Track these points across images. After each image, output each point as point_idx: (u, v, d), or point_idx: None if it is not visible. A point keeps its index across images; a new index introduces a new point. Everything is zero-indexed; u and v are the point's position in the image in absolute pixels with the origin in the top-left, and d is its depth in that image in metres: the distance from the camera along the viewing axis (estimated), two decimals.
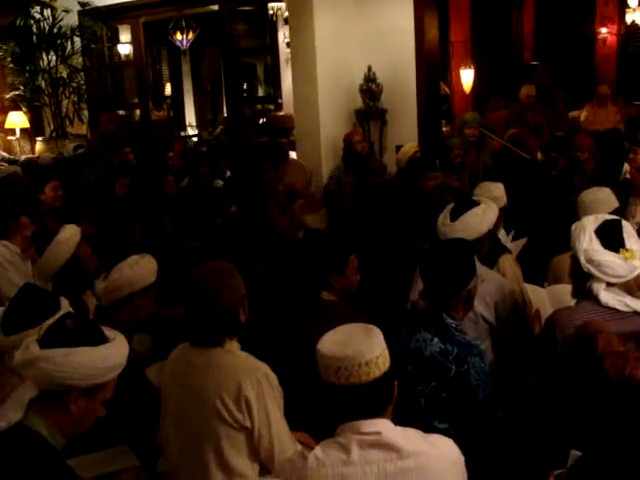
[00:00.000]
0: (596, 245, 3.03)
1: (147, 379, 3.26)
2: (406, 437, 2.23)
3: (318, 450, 2.25)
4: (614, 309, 3.04)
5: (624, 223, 3.16)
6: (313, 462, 2.22)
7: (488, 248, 3.87)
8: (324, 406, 2.25)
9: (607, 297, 3.04)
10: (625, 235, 3.07)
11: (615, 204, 4.19)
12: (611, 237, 3.05)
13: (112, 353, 2.22)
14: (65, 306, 3.16)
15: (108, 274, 3.40)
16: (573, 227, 3.18)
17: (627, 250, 3.02)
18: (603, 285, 3.04)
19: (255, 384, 2.67)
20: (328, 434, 2.32)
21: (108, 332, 2.28)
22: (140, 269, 3.42)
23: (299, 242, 4.87)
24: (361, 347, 2.17)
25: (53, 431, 2.16)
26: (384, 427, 2.22)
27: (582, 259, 3.04)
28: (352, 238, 3.95)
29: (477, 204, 3.79)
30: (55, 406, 2.17)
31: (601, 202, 4.12)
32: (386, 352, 2.23)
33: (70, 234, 4.17)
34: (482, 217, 3.77)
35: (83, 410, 2.20)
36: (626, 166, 6.21)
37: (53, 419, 2.17)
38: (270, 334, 3.45)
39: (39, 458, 2.10)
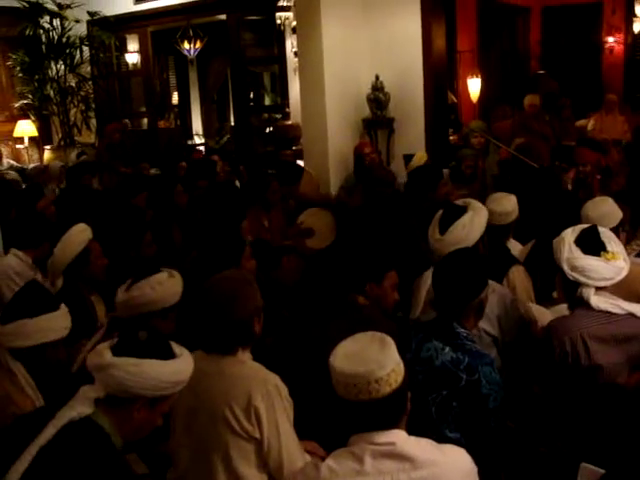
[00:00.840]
0: (577, 252, 3.13)
1: None
2: (420, 447, 2.23)
3: (331, 460, 2.25)
4: (608, 312, 3.11)
5: (601, 229, 3.25)
6: (326, 472, 2.22)
7: (483, 251, 3.87)
8: (337, 416, 2.25)
9: (598, 301, 3.11)
10: (605, 240, 3.16)
11: (620, 214, 4.19)
12: (590, 243, 3.14)
13: (180, 369, 2.33)
14: (63, 310, 3.18)
15: (130, 287, 3.35)
16: (554, 242, 3.26)
17: (608, 252, 3.10)
18: (592, 290, 3.11)
19: (265, 395, 2.67)
20: (339, 443, 2.32)
21: (176, 348, 2.37)
22: (162, 290, 3.35)
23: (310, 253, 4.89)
24: (372, 365, 2.16)
25: (115, 431, 2.26)
26: (398, 437, 2.21)
27: (566, 268, 3.13)
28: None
29: (464, 211, 3.77)
30: (119, 411, 2.27)
31: (609, 216, 4.10)
32: (400, 367, 2.22)
33: (81, 230, 4.18)
34: (470, 227, 3.76)
35: (144, 419, 2.31)
36: None
37: (116, 422, 2.26)
38: (297, 335, 3.45)
39: (103, 451, 2.21)
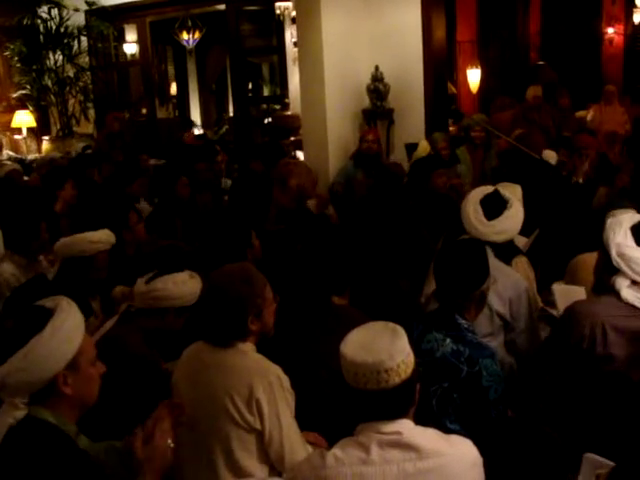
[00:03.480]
0: (630, 241, 3.06)
1: (166, 375, 3.25)
2: (426, 437, 2.23)
3: (337, 449, 2.24)
4: (633, 306, 3.07)
5: None
6: (332, 461, 2.21)
7: None
8: (345, 405, 2.25)
9: (628, 294, 3.07)
10: None
11: None
12: None
13: (61, 326, 2.14)
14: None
15: (152, 279, 3.34)
16: (608, 222, 3.20)
17: None
18: (627, 282, 3.07)
19: (267, 386, 2.67)
20: (341, 435, 2.32)
21: (48, 304, 2.21)
22: (185, 289, 3.34)
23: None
24: (382, 355, 2.16)
25: (60, 419, 2.16)
26: (405, 427, 2.21)
27: (613, 252, 3.06)
28: (363, 237, 3.95)
29: (508, 202, 3.75)
30: (51, 399, 2.15)
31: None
32: (410, 358, 2.22)
33: (97, 239, 4.15)
34: (516, 219, 3.77)
35: (78, 385, 2.18)
36: None
37: (57, 409, 2.16)
38: (284, 336, 3.44)
39: (52, 444, 2.10)
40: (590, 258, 3.81)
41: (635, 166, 6.10)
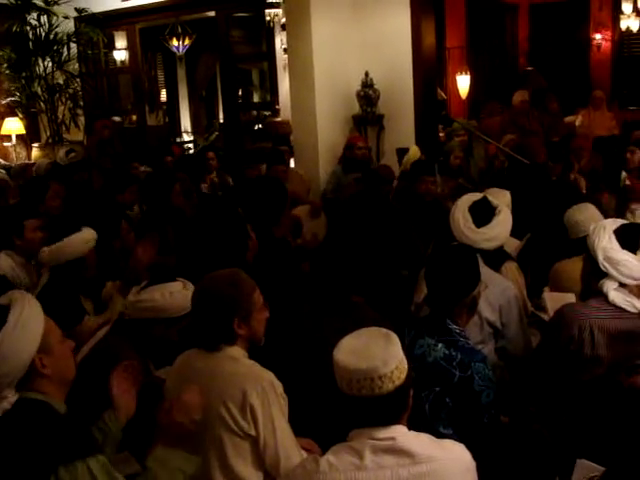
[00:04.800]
0: (615, 244, 3.11)
1: (158, 380, 3.24)
2: (420, 443, 2.23)
3: (331, 455, 2.25)
4: (621, 309, 3.11)
5: None
6: (325, 466, 2.22)
7: None
8: (338, 411, 2.25)
9: (616, 296, 3.12)
10: None
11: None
12: (630, 239, 3.13)
13: (20, 318, 2.26)
14: None
15: (144, 288, 3.31)
16: (592, 227, 3.25)
17: None
18: (615, 284, 3.12)
19: (260, 392, 2.66)
20: (335, 440, 2.32)
21: (1, 300, 2.34)
22: (172, 300, 3.26)
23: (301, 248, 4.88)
24: (376, 362, 2.16)
25: (49, 397, 2.29)
26: (398, 433, 2.22)
27: (600, 257, 3.11)
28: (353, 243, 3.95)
29: (496, 209, 3.78)
30: (35, 382, 2.27)
31: (590, 220, 4.12)
32: (403, 364, 2.22)
33: (91, 237, 4.19)
34: (506, 225, 3.81)
35: (55, 363, 2.32)
36: (623, 173, 6.24)
37: (41, 390, 2.28)
38: (291, 334, 3.45)
39: (45, 418, 2.22)
40: (570, 264, 3.87)
41: (604, 160, 6.20)
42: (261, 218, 4.43)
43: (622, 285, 3.13)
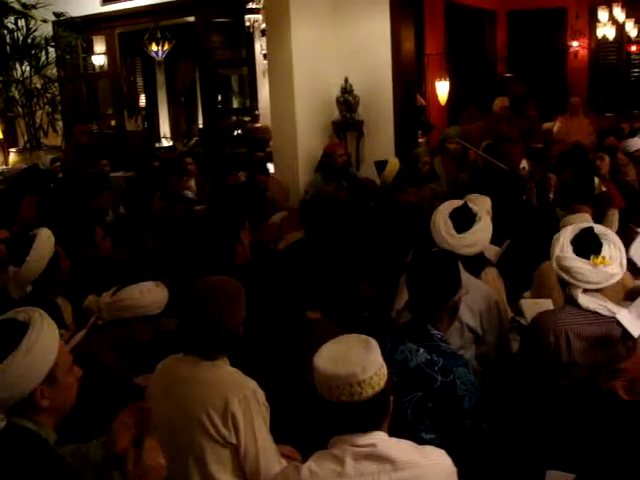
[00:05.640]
0: (568, 252, 3.14)
1: (138, 387, 3.23)
2: (400, 449, 2.23)
3: (312, 462, 2.24)
4: (595, 313, 3.13)
5: (605, 231, 3.25)
6: (307, 474, 2.21)
7: None
8: (318, 418, 2.25)
9: (586, 301, 3.14)
10: (604, 242, 3.15)
11: None
12: (584, 244, 3.15)
13: (37, 340, 2.10)
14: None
15: (118, 290, 3.35)
16: (554, 237, 3.26)
17: (599, 257, 3.10)
18: (579, 290, 3.14)
19: (242, 400, 2.65)
20: (315, 448, 2.32)
21: (21, 316, 2.16)
22: (150, 297, 3.36)
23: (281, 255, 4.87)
24: (355, 367, 2.16)
25: (40, 426, 2.13)
26: (379, 439, 2.22)
27: (555, 265, 3.17)
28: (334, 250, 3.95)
29: (477, 215, 3.80)
30: (31, 409, 2.12)
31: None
32: (383, 370, 2.22)
33: (49, 235, 4.11)
34: (487, 231, 3.82)
35: (55, 396, 2.15)
36: (596, 180, 6.28)
37: (36, 419, 2.13)
38: (258, 350, 3.43)
39: (33, 449, 2.08)
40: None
41: (574, 171, 6.24)
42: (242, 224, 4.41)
43: (597, 290, 3.15)
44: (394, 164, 6.96)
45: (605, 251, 3.14)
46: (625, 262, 3.22)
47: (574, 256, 3.12)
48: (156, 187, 6.10)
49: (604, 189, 6.04)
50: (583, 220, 4.26)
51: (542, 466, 2.61)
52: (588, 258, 3.11)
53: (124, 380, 3.24)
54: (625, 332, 3.07)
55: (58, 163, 8.57)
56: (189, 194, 7.41)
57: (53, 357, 2.12)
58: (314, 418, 2.29)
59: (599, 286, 3.14)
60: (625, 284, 3.72)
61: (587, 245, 3.14)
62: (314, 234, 4.79)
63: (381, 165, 7.12)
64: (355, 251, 4.57)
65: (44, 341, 2.11)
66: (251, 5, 9.54)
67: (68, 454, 2.38)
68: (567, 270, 3.11)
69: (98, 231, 4.88)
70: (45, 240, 4.07)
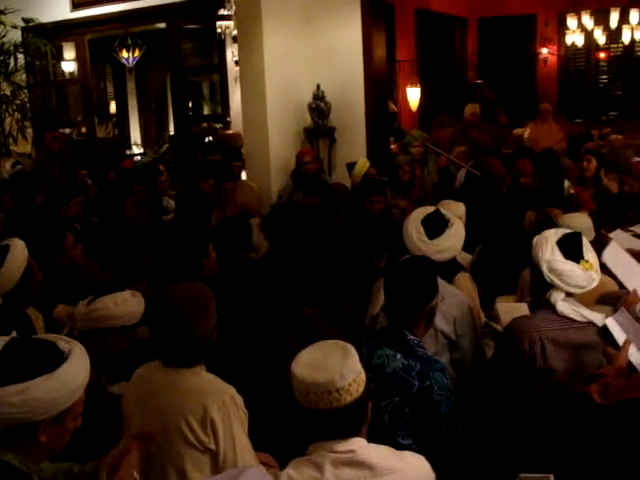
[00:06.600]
0: (558, 255, 3.14)
1: (112, 396, 3.19)
2: (379, 455, 2.23)
3: (291, 469, 2.24)
4: (570, 319, 3.16)
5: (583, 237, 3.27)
6: None
7: None
8: (297, 424, 2.24)
9: (563, 307, 3.16)
10: (584, 248, 3.19)
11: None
12: (572, 249, 3.17)
13: (71, 375, 2.02)
14: None
15: (93, 300, 3.31)
16: (535, 240, 3.28)
17: (586, 261, 3.13)
18: (562, 295, 3.16)
19: (221, 406, 2.64)
20: (294, 454, 2.31)
21: (62, 344, 2.08)
22: (126, 308, 3.33)
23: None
24: (333, 375, 2.16)
25: (24, 460, 2.02)
26: (358, 445, 2.22)
27: (544, 269, 3.14)
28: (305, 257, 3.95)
29: (449, 221, 3.82)
30: (23, 442, 2.00)
31: (589, 231, 4.18)
32: (361, 377, 2.22)
33: (22, 247, 4.00)
34: (459, 237, 3.83)
35: (54, 435, 2.05)
36: (566, 183, 6.35)
37: (23, 452, 2.01)
38: (244, 346, 3.42)
39: None
40: None
41: (540, 175, 6.30)
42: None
43: (569, 295, 3.18)
44: (363, 163, 7.02)
45: (588, 255, 3.18)
46: (599, 267, 3.26)
47: (565, 259, 3.13)
48: (127, 195, 6.06)
49: (572, 192, 6.11)
50: (582, 220, 4.30)
51: (516, 470, 2.62)
52: (577, 262, 3.13)
53: (98, 391, 3.20)
54: (606, 338, 3.09)
55: (20, 166, 8.45)
56: (171, 202, 7.34)
57: (75, 398, 2.06)
58: (293, 424, 2.27)
59: (584, 290, 3.17)
60: (607, 289, 3.74)
61: (574, 249, 3.17)
62: (277, 246, 4.76)
63: (352, 167, 7.15)
64: (321, 260, 4.57)
65: (74, 378, 2.04)
66: (223, 12, 9.52)
67: (61, 474, 2.32)
68: (559, 273, 3.11)
69: (69, 238, 4.81)
70: (20, 251, 3.99)
